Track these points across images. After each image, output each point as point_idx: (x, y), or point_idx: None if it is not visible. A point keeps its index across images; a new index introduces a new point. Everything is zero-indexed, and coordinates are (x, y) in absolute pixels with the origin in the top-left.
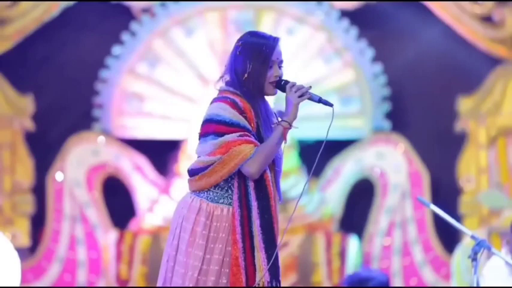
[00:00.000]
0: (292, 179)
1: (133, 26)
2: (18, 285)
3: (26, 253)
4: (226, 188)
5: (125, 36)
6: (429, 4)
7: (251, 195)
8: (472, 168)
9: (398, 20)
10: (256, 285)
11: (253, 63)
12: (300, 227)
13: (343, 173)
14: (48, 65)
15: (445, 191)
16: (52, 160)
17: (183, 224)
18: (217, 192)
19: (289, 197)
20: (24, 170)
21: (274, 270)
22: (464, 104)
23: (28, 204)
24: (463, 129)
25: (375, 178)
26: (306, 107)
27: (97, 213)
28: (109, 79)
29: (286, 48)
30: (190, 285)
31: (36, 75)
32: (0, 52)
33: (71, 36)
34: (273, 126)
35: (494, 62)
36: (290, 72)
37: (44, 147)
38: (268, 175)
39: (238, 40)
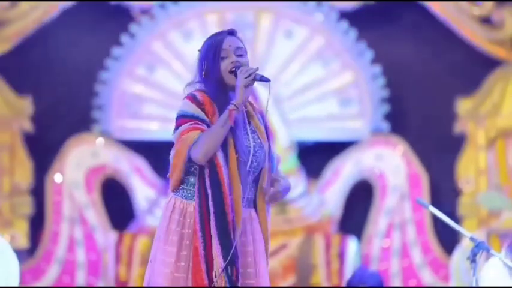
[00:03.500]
0: (290, 180)
1: (133, 27)
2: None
3: (25, 255)
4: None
5: (124, 38)
6: (428, 5)
7: (207, 184)
8: (471, 169)
9: (397, 21)
10: (214, 273)
11: (207, 59)
12: (299, 229)
13: (342, 174)
14: (47, 66)
15: (444, 193)
16: (51, 162)
17: (161, 224)
18: (190, 190)
19: (288, 199)
20: (23, 172)
21: (230, 256)
22: (463, 106)
23: (27, 205)
24: (462, 130)
25: (374, 180)
26: (304, 109)
27: (96, 215)
28: (108, 81)
29: (284, 50)
30: (167, 283)
31: (35, 76)
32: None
33: (70, 37)
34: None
35: (493, 63)
36: (289, 74)
37: (43, 148)
38: (220, 162)
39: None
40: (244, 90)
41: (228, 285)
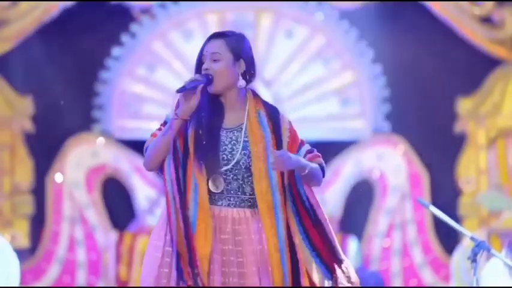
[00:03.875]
0: None
1: (133, 27)
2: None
3: (26, 254)
4: None
5: (124, 38)
6: (429, 5)
7: None
8: (471, 169)
9: (398, 21)
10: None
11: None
12: None
13: (342, 174)
14: (47, 66)
15: (445, 192)
16: (51, 161)
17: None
18: None
19: None
20: (24, 171)
21: (189, 256)
22: (463, 105)
23: (27, 205)
24: (463, 130)
25: (374, 179)
26: (305, 109)
27: (96, 215)
28: (109, 80)
29: (285, 50)
30: (152, 276)
31: (36, 76)
32: (0, 53)
33: (71, 37)
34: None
35: (493, 63)
36: (289, 74)
37: (44, 148)
38: (165, 166)
39: None
40: (188, 98)
41: (195, 285)
